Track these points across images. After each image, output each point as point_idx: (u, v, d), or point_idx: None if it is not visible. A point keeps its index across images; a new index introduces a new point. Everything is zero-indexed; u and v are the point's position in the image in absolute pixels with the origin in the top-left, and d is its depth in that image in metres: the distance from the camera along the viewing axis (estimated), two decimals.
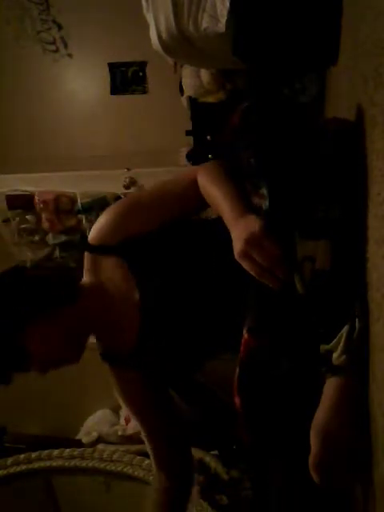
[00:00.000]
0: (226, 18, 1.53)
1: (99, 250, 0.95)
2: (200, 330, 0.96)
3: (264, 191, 0.75)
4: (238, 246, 0.74)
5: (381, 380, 0.59)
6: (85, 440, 2.36)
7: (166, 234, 0.93)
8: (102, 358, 1.04)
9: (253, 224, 0.74)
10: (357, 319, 0.69)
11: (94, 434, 2.38)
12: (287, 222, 0.73)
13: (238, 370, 0.80)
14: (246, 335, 0.79)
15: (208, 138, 2.44)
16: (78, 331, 0.94)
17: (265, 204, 0.75)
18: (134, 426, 2.41)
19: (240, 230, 0.75)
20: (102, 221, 0.94)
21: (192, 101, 2.49)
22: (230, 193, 0.82)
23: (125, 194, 2.41)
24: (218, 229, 0.84)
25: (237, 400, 0.80)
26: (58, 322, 0.91)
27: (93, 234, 0.95)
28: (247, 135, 0.80)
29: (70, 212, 2.79)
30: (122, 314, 0.96)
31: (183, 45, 1.75)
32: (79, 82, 3.23)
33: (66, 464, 1.93)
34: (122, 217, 0.93)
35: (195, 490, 1.23)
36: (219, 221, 0.84)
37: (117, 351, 1.01)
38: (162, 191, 0.96)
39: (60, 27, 3.07)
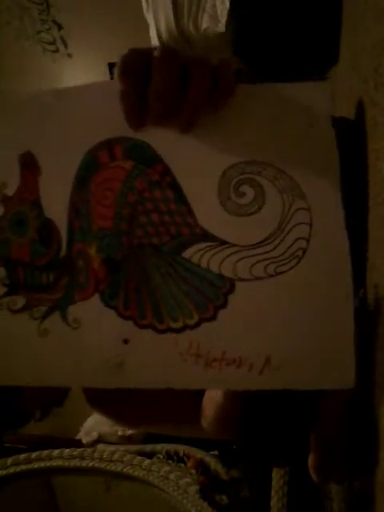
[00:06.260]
0: (225, 18, 1.53)
1: None
2: None
3: None
4: None
5: (381, 380, 0.59)
6: (85, 440, 2.35)
7: None
8: None
9: None
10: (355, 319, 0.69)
11: (94, 434, 2.37)
12: None
13: None
14: None
15: None
16: None
17: None
18: None
19: None
20: None
21: None
22: None
23: None
24: None
25: None
26: None
27: None
28: None
29: None
30: None
31: (183, 45, 1.75)
32: (79, 82, 3.20)
33: (66, 464, 1.92)
34: None
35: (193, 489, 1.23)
36: None
37: None
38: None
39: (60, 27, 3.07)
